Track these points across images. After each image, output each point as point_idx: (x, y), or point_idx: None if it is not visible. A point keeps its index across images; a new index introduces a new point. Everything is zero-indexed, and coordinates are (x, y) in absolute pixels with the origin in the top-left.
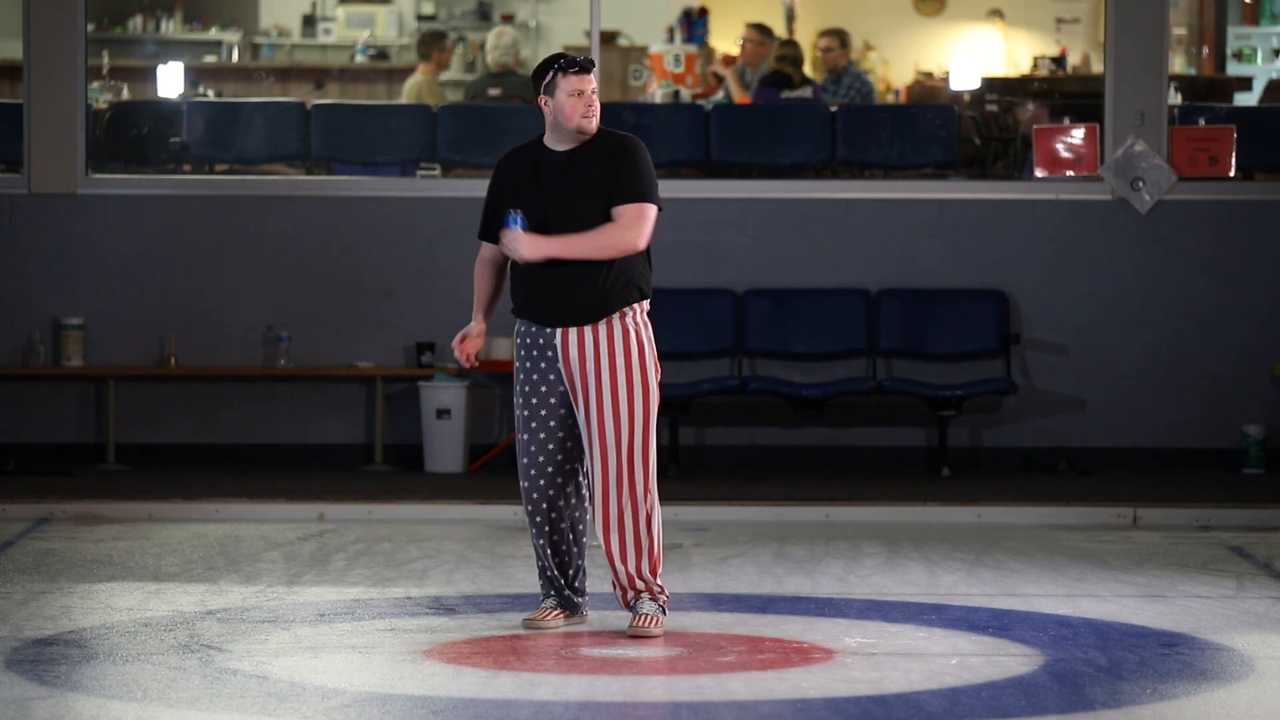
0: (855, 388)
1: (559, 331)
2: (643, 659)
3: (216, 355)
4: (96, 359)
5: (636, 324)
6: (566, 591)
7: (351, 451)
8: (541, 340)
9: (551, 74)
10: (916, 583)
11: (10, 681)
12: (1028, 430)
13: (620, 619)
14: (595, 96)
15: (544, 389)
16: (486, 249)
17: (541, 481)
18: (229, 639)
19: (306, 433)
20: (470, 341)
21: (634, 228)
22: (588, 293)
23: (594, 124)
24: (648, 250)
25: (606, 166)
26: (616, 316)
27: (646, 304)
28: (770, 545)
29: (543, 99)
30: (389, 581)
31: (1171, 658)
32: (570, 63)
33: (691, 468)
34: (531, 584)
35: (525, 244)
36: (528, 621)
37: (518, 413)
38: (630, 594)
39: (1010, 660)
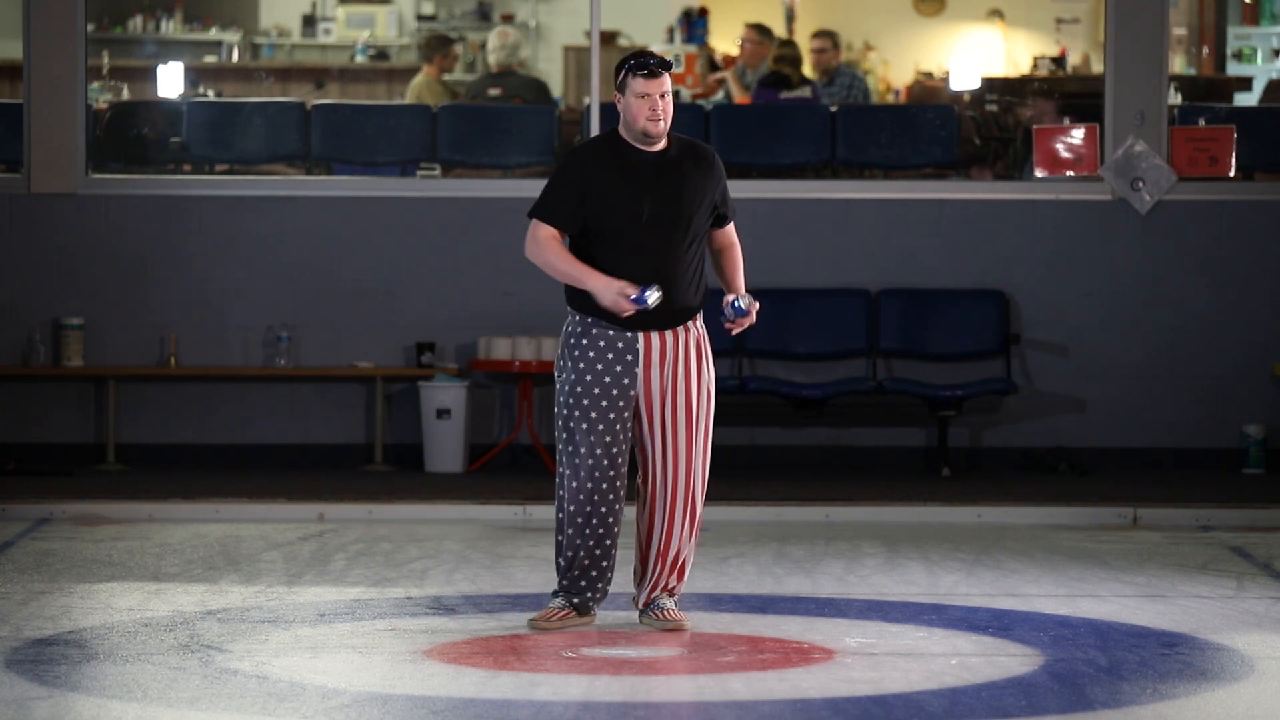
0: (855, 388)
1: (641, 335)
2: (643, 659)
3: (216, 355)
4: (96, 359)
5: (701, 329)
6: (588, 595)
7: (351, 451)
8: (620, 344)
9: (623, 73)
10: (916, 583)
11: (10, 681)
12: (1028, 430)
13: (618, 619)
14: (666, 100)
15: (615, 392)
16: (547, 229)
17: (603, 486)
18: (229, 639)
19: (306, 433)
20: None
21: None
22: (680, 298)
23: (660, 128)
24: None
25: (702, 174)
26: (692, 321)
27: None
28: (770, 545)
29: (616, 96)
30: (389, 581)
31: (1171, 658)
32: (640, 65)
33: None
34: (531, 584)
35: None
36: (533, 622)
37: (572, 413)
38: (658, 593)
39: (1010, 660)
